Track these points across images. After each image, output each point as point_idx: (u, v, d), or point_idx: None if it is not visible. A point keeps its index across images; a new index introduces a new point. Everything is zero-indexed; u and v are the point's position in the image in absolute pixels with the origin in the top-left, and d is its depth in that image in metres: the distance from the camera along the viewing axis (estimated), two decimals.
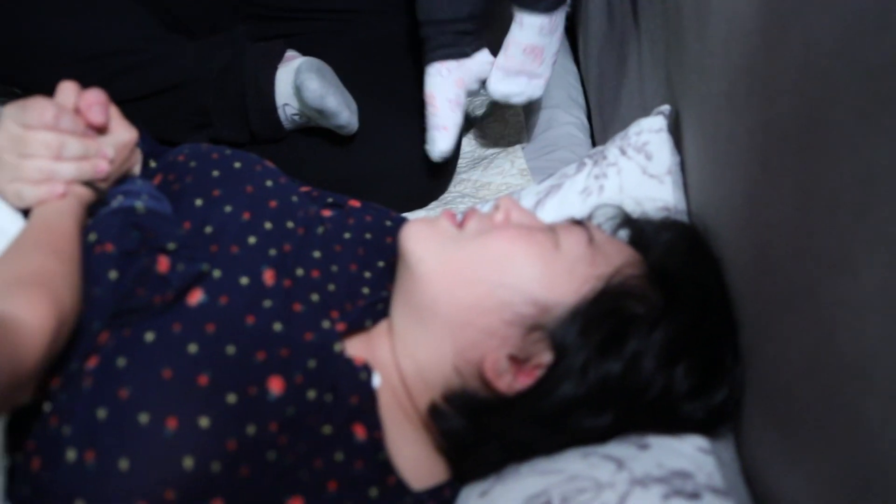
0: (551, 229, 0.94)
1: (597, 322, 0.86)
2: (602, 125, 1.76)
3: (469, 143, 1.87)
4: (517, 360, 0.88)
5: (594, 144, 1.79)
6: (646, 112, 1.23)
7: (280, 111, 1.55)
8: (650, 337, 0.86)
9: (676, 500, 0.76)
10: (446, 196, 1.71)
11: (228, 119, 1.57)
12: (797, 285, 0.72)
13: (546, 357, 0.87)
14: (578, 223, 0.96)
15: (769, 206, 0.78)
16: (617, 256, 0.92)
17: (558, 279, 0.89)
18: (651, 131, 1.16)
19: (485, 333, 0.88)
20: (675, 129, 1.18)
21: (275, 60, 1.55)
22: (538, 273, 0.89)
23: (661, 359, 0.85)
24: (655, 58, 1.32)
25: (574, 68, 2.10)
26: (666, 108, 1.18)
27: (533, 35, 1.54)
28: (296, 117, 1.56)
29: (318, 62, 1.54)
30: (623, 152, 1.17)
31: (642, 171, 1.14)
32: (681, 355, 0.86)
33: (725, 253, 0.93)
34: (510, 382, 0.87)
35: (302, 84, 1.48)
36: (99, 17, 1.52)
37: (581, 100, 1.95)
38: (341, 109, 1.51)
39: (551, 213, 1.18)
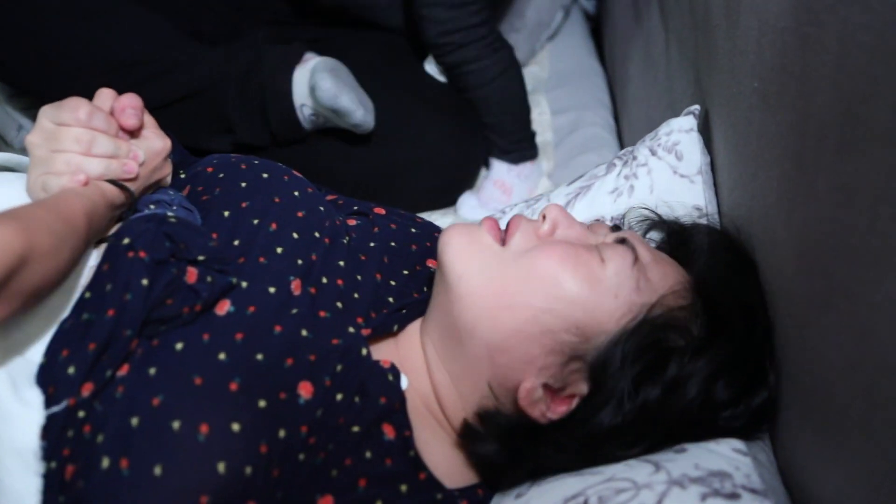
0: (596, 247, 0.91)
1: (637, 354, 0.85)
2: (629, 126, 1.75)
3: None
4: (552, 389, 0.88)
5: (622, 146, 1.78)
6: (674, 112, 1.22)
7: (298, 112, 1.56)
8: (692, 365, 0.84)
9: (715, 500, 0.75)
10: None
11: (249, 122, 1.57)
12: (836, 284, 0.71)
13: (582, 387, 0.87)
14: (620, 234, 0.93)
15: (805, 204, 0.77)
16: (661, 281, 0.90)
17: (603, 305, 0.87)
18: (681, 131, 1.15)
19: (523, 361, 0.87)
20: (705, 129, 1.17)
21: (292, 62, 1.56)
22: (584, 297, 0.87)
23: (702, 384, 0.84)
24: (684, 57, 1.31)
25: (600, 69, 2.10)
26: (696, 107, 1.17)
27: (503, 174, 1.71)
28: (313, 118, 1.57)
29: (333, 62, 1.55)
30: (653, 153, 1.16)
31: (673, 172, 1.14)
32: (722, 375, 0.85)
33: (760, 253, 0.92)
34: (544, 411, 0.87)
35: (316, 84, 1.49)
36: (123, 26, 1.53)
37: (607, 100, 1.95)
38: (355, 108, 1.51)
39: (581, 214, 1.18)
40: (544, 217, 0.93)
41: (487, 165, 1.75)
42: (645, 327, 0.85)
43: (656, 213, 1.05)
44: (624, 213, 1.06)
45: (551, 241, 0.91)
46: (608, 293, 0.87)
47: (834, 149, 0.71)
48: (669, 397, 0.83)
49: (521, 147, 1.71)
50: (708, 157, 1.14)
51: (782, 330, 0.86)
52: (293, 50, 1.58)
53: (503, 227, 0.94)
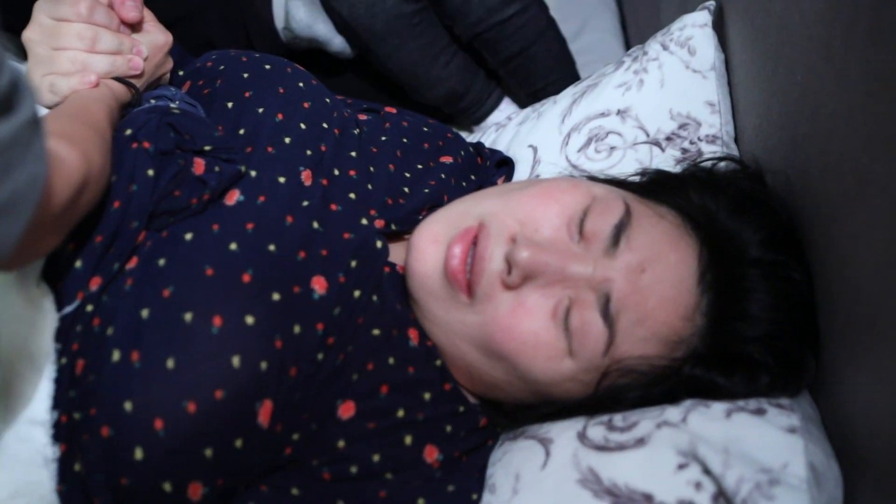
0: (565, 328, 0.79)
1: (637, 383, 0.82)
2: (638, 30, 1.69)
3: None
4: None
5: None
6: (686, 12, 1.17)
7: (281, 35, 1.50)
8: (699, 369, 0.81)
9: (740, 415, 0.75)
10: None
11: (234, 48, 1.51)
12: (868, 179, 0.68)
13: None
14: (610, 273, 0.80)
15: (834, 97, 0.74)
16: (636, 347, 0.80)
17: (563, 385, 0.82)
18: (695, 26, 1.11)
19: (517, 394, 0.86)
20: (720, 27, 1.13)
21: None
22: (543, 384, 0.82)
23: (719, 378, 0.81)
24: None
25: None
26: (710, 2, 1.13)
27: None
28: (296, 42, 1.51)
29: None
30: (665, 47, 1.12)
31: (685, 67, 1.10)
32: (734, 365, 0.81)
33: (782, 150, 0.89)
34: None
35: (289, 13, 1.43)
36: None
37: (613, 5, 1.88)
38: (332, 36, 1.44)
39: (585, 110, 1.13)
40: (510, 265, 0.80)
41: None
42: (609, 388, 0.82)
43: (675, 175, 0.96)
44: (643, 171, 0.99)
45: (514, 307, 0.80)
46: (572, 381, 0.82)
47: (865, 35, 0.68)
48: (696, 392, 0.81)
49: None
50: (722, 53, 1.10)
51: (809, 231, 0.83)
52: None
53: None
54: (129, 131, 0.82)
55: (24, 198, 0.56)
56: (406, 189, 0.96)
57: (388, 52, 1.42)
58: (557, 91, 1.25)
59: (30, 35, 0.84)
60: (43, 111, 0.84)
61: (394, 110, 1.10)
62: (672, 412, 0.78)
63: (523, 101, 1.52)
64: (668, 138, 1.06)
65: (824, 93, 0.77)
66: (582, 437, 0.80)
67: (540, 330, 0.79)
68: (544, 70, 1.49)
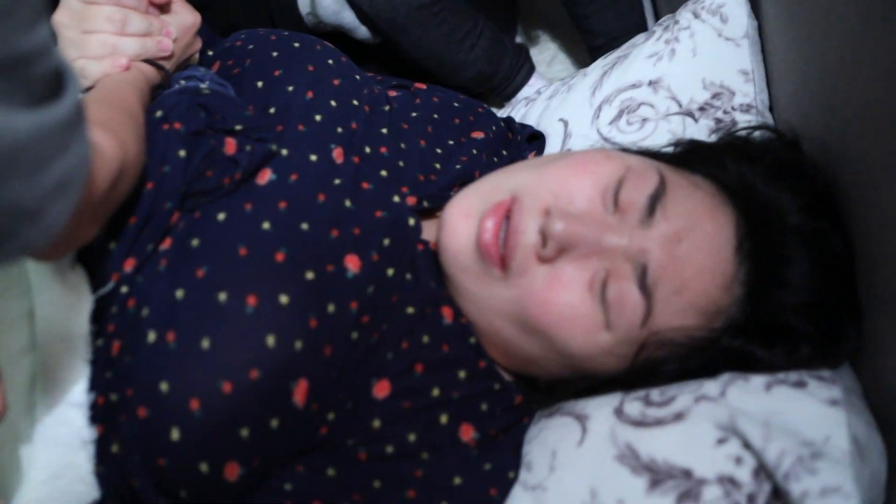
0: (602, 300, 0.78)
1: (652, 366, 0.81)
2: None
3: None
4: None
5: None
6: None
7: (305, 20, 1.49)
8: (738, 341, 0.80)
9: (780, 387, 0.74)
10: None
11: None
12: None
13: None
14: (646, 243, 0.79)
15: (874, 61, 0.72)
16: (675, 318, 0.79)
17: (605, 363, 0.81)
18: None
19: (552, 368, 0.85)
20: None
21: None
22: (580, 357, 0.81)
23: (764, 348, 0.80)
24: None
25: None
26: None
27: None
28: (321, 26, 1.50)
29: None
30: (696, 15, 1.10)
31: (717, 35, 1.08)
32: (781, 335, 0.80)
33: (818, 117, 0.87)
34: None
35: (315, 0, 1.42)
36: None
37: None
38: (358, 24, 1.43)
39: (616, 82, 1.11)
40: (545, 238, 0.79)
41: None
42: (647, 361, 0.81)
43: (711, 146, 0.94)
44: (676, 141, 0.97)
45: (550, 280, 0.79)
46: (607, 348, 0.80)
47: None
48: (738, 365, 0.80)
49: None
50: (755, 20, 1.08)
51: (848, 198, 0.82)
52: None
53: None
54: (159, 113, 0.82)
55: (76, 177, 0.57)
56: (437, 165, 0.95)
57: (412, 41, 1.40)
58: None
59: (59, 18, 0.84)
60: None
61: (424, 86, 1.09)
62: (710, 386, 0.76)
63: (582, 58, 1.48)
64: (702, 108, 1.04)
65: (862, 57, 0.75)
66: (619, 412, 0.79)
67: (577, 302, 0.78)
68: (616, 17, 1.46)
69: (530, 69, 1.53)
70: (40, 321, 0.74)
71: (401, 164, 0.92)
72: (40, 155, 0.53)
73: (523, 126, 1.12)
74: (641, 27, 1.46)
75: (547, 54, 1.72)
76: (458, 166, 0.95)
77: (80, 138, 0.57)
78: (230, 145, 0.82)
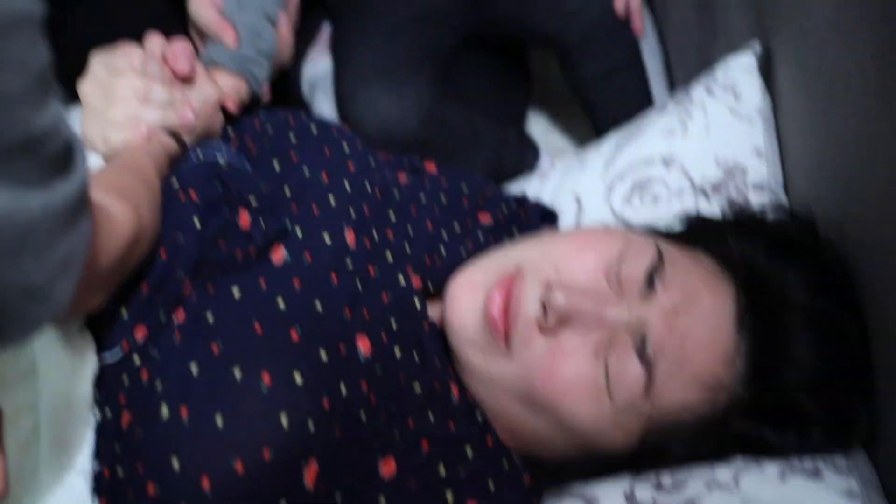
0: (605, 366, 0.78)
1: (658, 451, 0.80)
2: (682, 69, 1.67)
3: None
4: None
5: (672, 89, 1.70)
6: (732, 53, 1.15)
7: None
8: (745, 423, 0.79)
9: (795, 477, 0.73)
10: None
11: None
12: None
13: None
14: (645, 312, 0.79)
15: (892, 140, 0.72)
16: (677, 392, 0.78)
17: (606, 431, 0.80)
18: (739, 69, 1.10)
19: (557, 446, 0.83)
20: (766, 69, 1.10)
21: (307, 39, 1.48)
22: (584, 429, 0.79)
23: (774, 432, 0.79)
24: None
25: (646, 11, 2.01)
26: (756, 44, 1.10)
27: None
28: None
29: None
30: (709, 91, 1.10)
31: (730, 111, 1.08)
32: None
33: (835, 199, 0.86)
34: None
35: (313, 104, 1.43)
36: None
37: (656, 45, 1.86)
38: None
39: (629, 157, 1.11)
40: (546, 309, 0.79)
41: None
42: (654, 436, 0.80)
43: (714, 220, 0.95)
44: (684, 217, 0.98)
45: (553, 351, 0.79)
46: (610, 419, 0.79)
47: None
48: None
49: None
50: (769, 98, 1.08)
51: (866, 284, 0.81)
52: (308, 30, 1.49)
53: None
54: (177, 183, 0.83)
55: (80, 253, 0.57)
56: (443, 249, 0.96)
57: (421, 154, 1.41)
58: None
59: (86, 89, 0.87)
60: (96, 162, 0.86)
61: (434, 167, 1.10)
62: (722, 472, 0.75)
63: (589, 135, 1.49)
64: (715, 187, 1.04)
65: (880, 136, 0.74)
66: (630, 498, 0.77)
67: (580, 370, 0.78)
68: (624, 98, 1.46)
69: (535, 156, 1.53)
70: (43, 381, 0.73)
71: (407, 247, 0.93)
72: (49, 233, 0.53)
73: (536, 204, 1.12)
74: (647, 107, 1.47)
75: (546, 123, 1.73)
76: (462, 250, 0.96)
77: (86, 214, 0.57)
78: (244, 218, 0.83)
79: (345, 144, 0.98)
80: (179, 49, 0.91)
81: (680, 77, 1.68)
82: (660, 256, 0.81)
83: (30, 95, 0.49)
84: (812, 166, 0.94)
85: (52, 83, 0.52)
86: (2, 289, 0.50)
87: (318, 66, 1.50)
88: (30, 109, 0.49)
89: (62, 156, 0.54)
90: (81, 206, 0.56)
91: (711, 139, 1.07)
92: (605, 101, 1.45)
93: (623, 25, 1.47)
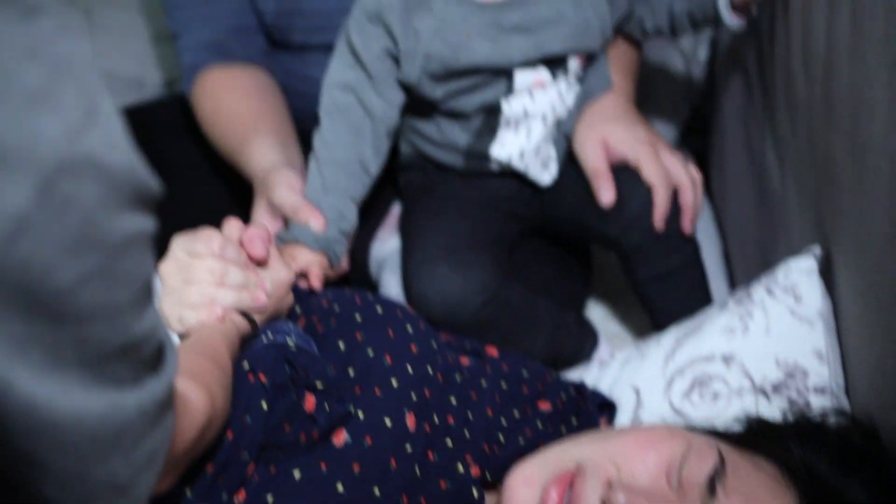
0: None
1: None
2: (743, 265, 1.69)
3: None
4: None
5: (733, 286, 1.72)
6: (792, 253, 1.17)
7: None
8: None
9: None
10: None
11: None
12: None
13: None
14: None
15: None
16: None
17: None
18: (800, 272, 1.11)
19: None
20: (826, 273, 1.12)
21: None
22: None
23: None
24: (803, 198, 1.27)
25: (706, 203, 2.05)
26: (816, 248, 1.12)
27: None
28: None
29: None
30: (770, 292, 1.12)
31: (791, 313, 1.09)
32: None
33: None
34: None
35: (380, 282, 1.47)
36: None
37: (716, 238, 1.88)
38: None
39: (689, 353, 1.12)
40: (611, 484, 0.79)
41: None
42: None
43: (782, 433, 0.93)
44: (745, 419, 0.98)
45: None
46: None
47: None
48: None
49: None
50: (830, 300, 1.09)
51: None
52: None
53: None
54: (247, 364, 0.85)
55: (163, 448, 0.58)
56: (502, 437, 0.96)
57: (483, 333, 1.43)
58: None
59: (165, 269, 0.90)
60: (173, 340, 0.87)
61: (495, 351, 1.11)
62: None
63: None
64: (775, 387, 1.04)
65: None
66: None
67: None
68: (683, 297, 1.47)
69: (595, 342, 1.54)
70: None
71: (467, 433, 0.94)
72: (139, 431, 0.54)
73: (594, 393, 1.12)
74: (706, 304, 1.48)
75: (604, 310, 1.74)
76: (521, 439, 0.96)
77: (171, 408, 0.59)
78: (310, 402, 0.84)
79: (409, 326, 1.00)
80: (255, 234, 0.95)
81: (739, 270, 1.69)
82: (722, 461, 0.80)
83: (135, 305, 0.52)
84: (874, 372, 0.94)
85: (152, 286, 0.55)
86: (90, 486, 0.51)
87: (387, 246, 1.55)
88: (132, 318, 0.52)
89: (156, 354, 0.56)
90: (169, 401, 0.58)
91: (772, 340, 1.07)
92: (663, 300, 1.46)
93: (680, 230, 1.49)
